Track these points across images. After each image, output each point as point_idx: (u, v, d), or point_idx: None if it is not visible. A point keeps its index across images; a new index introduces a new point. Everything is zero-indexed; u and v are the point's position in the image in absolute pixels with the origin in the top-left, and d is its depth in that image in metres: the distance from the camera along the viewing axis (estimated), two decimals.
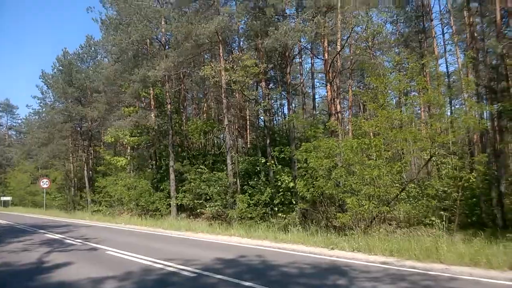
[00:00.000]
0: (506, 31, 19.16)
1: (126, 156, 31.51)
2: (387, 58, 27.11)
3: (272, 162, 20.57)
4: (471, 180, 13.41)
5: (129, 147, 32.37)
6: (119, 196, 26.32)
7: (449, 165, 15.08)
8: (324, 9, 17.82)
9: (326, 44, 19.98)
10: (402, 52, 23.99)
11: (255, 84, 23.11)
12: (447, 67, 24.52)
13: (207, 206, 20.56)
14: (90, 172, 37.15)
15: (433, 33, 25.68)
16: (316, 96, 33.96)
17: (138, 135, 27.12)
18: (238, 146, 28.20)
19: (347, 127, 25.12)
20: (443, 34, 26.50)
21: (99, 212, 28.94)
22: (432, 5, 26.73)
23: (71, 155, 40.33)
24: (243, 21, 22.91)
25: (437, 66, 22.99)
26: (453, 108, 23.41)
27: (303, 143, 16.48)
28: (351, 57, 25.55)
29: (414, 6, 28.15)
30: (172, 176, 23.10)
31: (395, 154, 15.74)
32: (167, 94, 24.41)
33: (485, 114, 19.01)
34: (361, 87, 31.85)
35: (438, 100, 14.20)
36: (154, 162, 28.46)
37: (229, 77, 19.62)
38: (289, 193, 19.36)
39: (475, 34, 22.93)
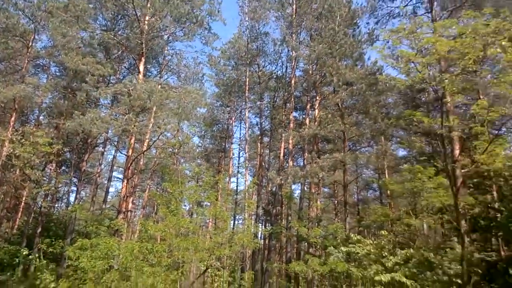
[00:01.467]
0: (285, 166, 23.45)
1: None
2: (188, 167, 28.76)
3: (37, 255, 17.60)
4: None
5: None
6: None
7: (221, 278, 15.90)
8: (139, 109, 18.20)
9: (133, 141, 19.97)
10: (203, 165, 25.99)
11: (44, 164, 20.64)
12: (237, 186, 27.71)
13: None
14: None
15: (231, 154, 29.29)
16: (111, 190, 32.33)
17: None
18: (1, 230, 23.36)
19: (136, 226, 24.26)
20: (239, 157, 30.61)
21: None
22: (234, 131, 31.06)
23: None
24: (50, 96, 21.31)
25: (229, 183, 25.62)
26: (237, 223, 25.92)
27: (81, 239, 14.87)
28: (156, 158, 26.07)
29: (220, 127, 32.05)
30: None
31: (175, 262, 15.71)
32: None
33: (260, 233, 21.63)
34: (159, 189, 32.20)
35: (222, 215, 15.51)
36: None
37: (12, 150, 17.07)
38: None
39: (263, 163, 27.20)
